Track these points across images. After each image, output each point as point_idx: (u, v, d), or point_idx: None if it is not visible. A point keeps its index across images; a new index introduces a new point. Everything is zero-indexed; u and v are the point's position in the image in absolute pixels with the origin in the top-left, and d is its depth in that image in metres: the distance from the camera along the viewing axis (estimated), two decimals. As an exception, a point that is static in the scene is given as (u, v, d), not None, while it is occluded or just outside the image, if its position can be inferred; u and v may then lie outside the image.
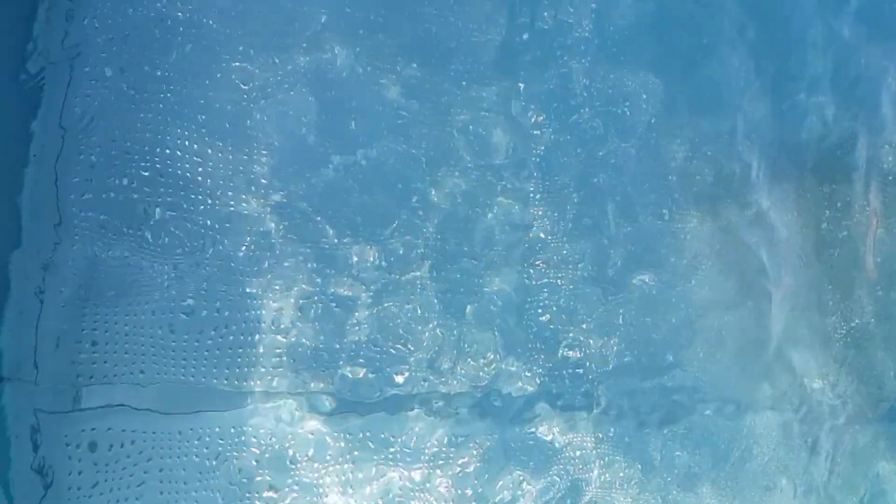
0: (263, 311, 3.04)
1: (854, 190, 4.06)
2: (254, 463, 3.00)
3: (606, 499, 3.59)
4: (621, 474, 3.63)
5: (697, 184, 3.82)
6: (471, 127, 3.42)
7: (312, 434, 3.10)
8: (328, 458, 3.11)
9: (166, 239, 2.93)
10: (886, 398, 4.17)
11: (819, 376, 4.00)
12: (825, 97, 4.06)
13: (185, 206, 2.97)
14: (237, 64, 3.06)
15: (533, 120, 3.55)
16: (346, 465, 3.13)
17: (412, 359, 3.26)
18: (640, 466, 3.69)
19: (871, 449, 4.10)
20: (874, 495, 4.11)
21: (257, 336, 3.03)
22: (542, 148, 3.54)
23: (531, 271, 3.51)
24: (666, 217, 3.76)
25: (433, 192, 3.35)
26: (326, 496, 3.09)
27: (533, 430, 3.48)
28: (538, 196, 3.52)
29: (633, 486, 3.65)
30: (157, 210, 2.93)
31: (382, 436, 3.20)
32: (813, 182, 4.02)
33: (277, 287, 3.08)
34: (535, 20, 3.56)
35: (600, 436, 3.60)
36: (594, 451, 3.59)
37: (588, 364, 3.60)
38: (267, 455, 3.02)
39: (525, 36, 3.53)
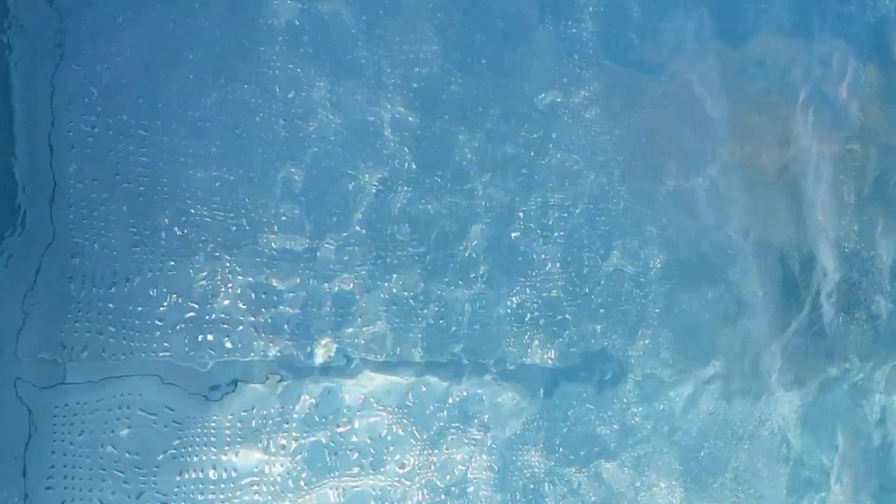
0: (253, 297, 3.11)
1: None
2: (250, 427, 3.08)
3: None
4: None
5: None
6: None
7: (296, 403, 3.17)
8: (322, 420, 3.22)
9: (167, 234, 2.95)
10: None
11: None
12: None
13: (187, 203, 2.99)
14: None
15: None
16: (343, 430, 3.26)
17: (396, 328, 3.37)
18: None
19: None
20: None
21: (246, 317, 3.10)
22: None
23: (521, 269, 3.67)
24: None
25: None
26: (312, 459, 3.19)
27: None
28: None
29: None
30: (159, 205, 2.93)
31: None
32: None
33: (274, 278, 3.14)
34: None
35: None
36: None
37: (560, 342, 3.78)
38: (253, 432, 3.09)
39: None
